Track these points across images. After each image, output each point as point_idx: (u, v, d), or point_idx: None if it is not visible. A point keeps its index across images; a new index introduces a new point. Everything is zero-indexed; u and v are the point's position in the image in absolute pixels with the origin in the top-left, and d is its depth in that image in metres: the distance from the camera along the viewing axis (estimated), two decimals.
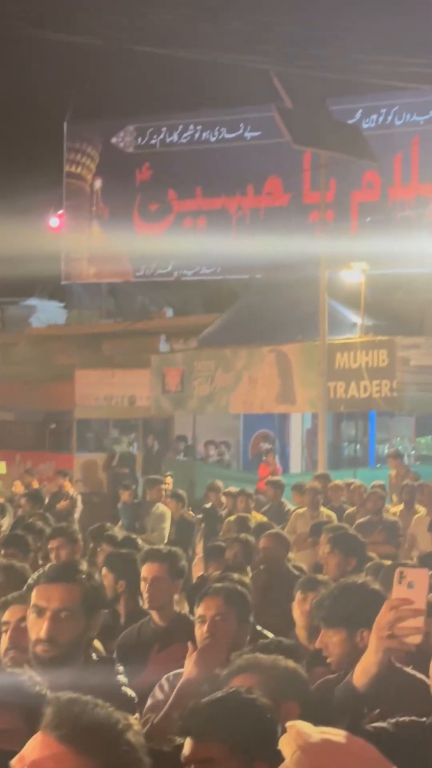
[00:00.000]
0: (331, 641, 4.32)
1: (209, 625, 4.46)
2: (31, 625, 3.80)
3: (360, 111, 22.99)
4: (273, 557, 7.89)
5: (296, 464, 21.20)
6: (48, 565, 4.32)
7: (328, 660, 4.35)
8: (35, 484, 15.96)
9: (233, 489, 13.56)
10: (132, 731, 2.26)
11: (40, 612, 3.77)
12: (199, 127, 25.61)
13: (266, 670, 3.49)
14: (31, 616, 3.82)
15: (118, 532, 8.64)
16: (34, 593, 3.88)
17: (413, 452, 20.68)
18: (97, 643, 5.23)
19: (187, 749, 2.86)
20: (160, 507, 12.66)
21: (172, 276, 26.22)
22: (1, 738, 2.89)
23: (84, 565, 4.92)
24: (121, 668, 4.40)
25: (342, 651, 4.30)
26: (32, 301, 30.62)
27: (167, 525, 12.25)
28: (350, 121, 21.76)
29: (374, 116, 23.14)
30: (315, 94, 19.32)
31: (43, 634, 3.72)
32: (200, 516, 12.72)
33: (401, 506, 12.68)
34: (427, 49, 19.18)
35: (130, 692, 4.14)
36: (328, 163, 18.31)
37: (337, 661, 4.28)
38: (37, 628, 3.75)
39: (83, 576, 4.06)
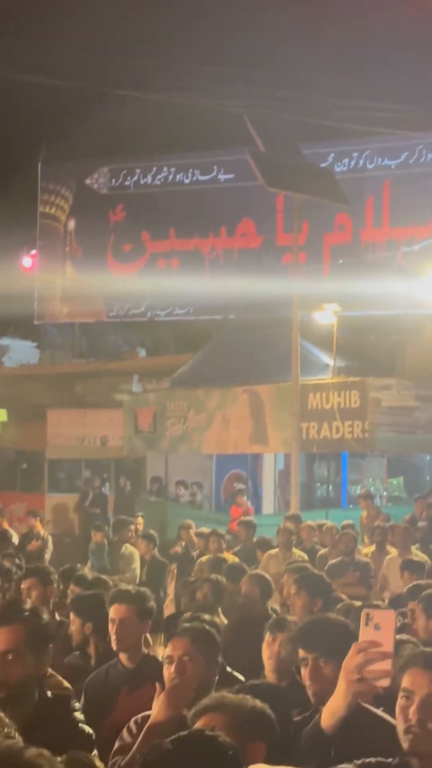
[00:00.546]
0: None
1: (177, 666, 4.42)
2: None
3: (332, 155, 23.22)
4: (252, 599, 7.84)
5: (269, 505, 21.15)
6: None
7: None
8: (5, 525, 15.81)
9: (205, 530, 13.53)
10: None
11: None
12: (173, 169, 25.75)
13: (233, 710, 3.45)
14: None
15: (88, 573, 8.57)
16: None
17: (385, 493, 20.70)
18: (65, 683, 5.19)
19: None
20: (128, 548, 12.62)
21: (145, 316, 26.24)
22: None
23: (27, 604, 4.89)
24: (77, 704, 4.36)
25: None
26: (5, 341, 30.52)
27: (137, 565, 12.19)
28: (323, 165, 21.98)
29: (346, 160, 23.36)
30: (288, 138, 19.55)
31: None
32: (171, 556, 12.65)
33: (373, 547, 12.66)
34: (398, 96, 19.49)
35: (88, 729, 4.10)
36: (300, 205, 18.44)
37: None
38: None
39: (26, 614, 4.03)
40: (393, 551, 11.68)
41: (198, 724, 3.43)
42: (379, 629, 3.10)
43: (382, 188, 22.96)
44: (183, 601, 8.44)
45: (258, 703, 3.60)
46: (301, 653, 4.36)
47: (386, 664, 3.10)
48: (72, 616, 6.50)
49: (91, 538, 14.28)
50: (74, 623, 6.31)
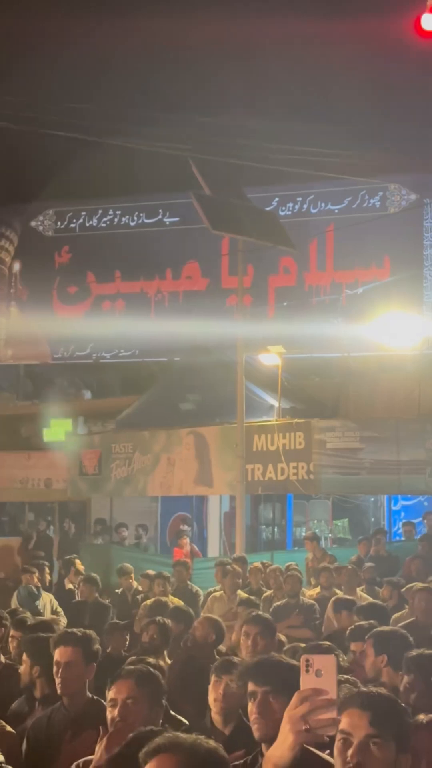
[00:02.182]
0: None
1: (120, 708, 4.41)
2: None
3: (276, 199, 23.51)
4: (203, 643, 7.80)
5: (214, 547, 21.11)
6: None
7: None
8: None
9: (151, 572, 13.47)
10: None
11: None
12: (118, 212, 25.88)
13: (187, 751, 3.42)
14: None
15: (29, 617, 8.52)
16: None
17: (330, 535, 20.77)
18: (7, 728, 5.13)
19: None
20: (42, 598, 12.92)
21: (90, 358, 26.22)
22: None
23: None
24: (1, 758, 4.30)
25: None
26: None
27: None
28: (267, 209, 22.20)
29: (290, 204, 23.66)
30: (232, 182, 19.73)
31: None
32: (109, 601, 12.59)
33: (318, 589, 12.68)
34: (342, 142, 19.80)
35: None
36: (245, 248, 18.59)
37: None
38: None
39: None
40: (339, 593, 11.70)
41: (150, 765, 3.42)
42: (320, 675, 3.08)
43: (325, 232, 23.24)
44: (111, 644, 8.36)
45: (212, 743, 3.58)
46: (251, 687, 4.36)
47: (332, 712, 3.05)
48: (24, 656, 6.47)
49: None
50: (25, 664, 6.25)
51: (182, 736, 3.69)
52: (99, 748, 4.20)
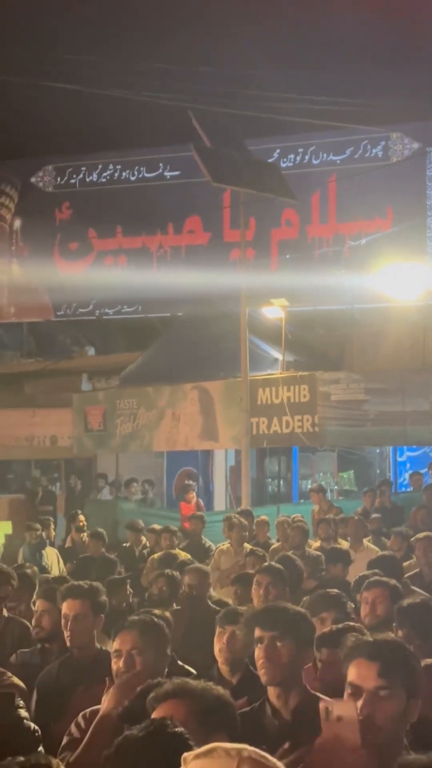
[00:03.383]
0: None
1: (125, 659, 4.43)
2: None
3: (278, 150, 23.31)
4: (195, 593, 7.85)
5: (220, 501, 21.19)
6: None
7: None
8: None
9: (157, 526, 13.53)
10: None
11: None
12: (118, 167, 25.70)
13: (197, 697, 3.42)
14: None
15: (36, 571, 8.59)
16: None
17: (335, 487, 20.83)
18: (15, 680, 5.15)
19: None
20: (47, 550, 12.95)
21: (93, 315, 26.15)
22: None
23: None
24: (21, 702, 4.33)
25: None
26: None
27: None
28: (269, 160, 22.01)
29: (292, 155, 23.47)
30: (233, 134, 19.57)
31: None
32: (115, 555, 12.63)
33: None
34: (342, 91, 19.61)
35: (32, 726, 4.08)
36: (247, 201, 18.46)
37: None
38: None
39: None
40: (344, 544, 11.73)
41: (158, 710, 3.40)
42: (341, 721, 3.09)
43: (327, 183, 23.08)
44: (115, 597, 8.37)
45: (221, 690, 3.58)
46: (258, 633, 4.38)
47: (356, 756, 3.08)
48: (38, 606, 6.54)
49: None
50: (36, 615, 6.28)
51: (192, 682, 3.69)
52: (105, 699, 4.23)
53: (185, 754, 2.60)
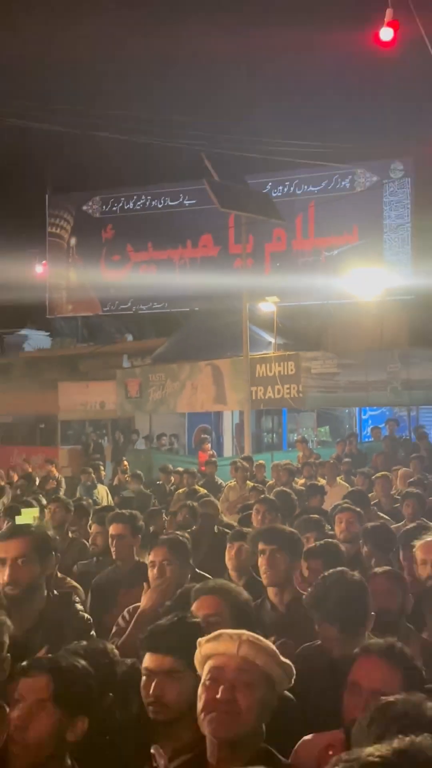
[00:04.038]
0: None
1: (158, 568, 4.42)
2: None
3: (270, 183, 23.15)
4: (210, 518, 7.84)
5: (228, 450, 21.16)
6: (4, 527, 4.19)
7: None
8: (30, 470, 15.73)
9: (181, 469, 13.54)
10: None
11: (2, 562, 3.70)
12: (149, 197, 25.60)
13: (231, 597, 3.42)
14: None
15: (90, 503, 8.59)
16: None
17: (315, 438, 20.75)
18: (73, 583, 5.14)
19: (149, 662, 2.80)
20: (98, 487, 12.91)
21: (131, 310, 26.18)
22: None
23: (34, 522, 4.81)
24: (77, 599, 4.32)
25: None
26: (24, 332, 30.33)
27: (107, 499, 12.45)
28: (263, 191, 21.88)
29: (280, 187, 23.30)
30: (235, 171, 19.42)
31: (6, 578, 3.66)
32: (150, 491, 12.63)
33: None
34: (319, 136, 19.36)
35: (86, 616, 4.07)
36: (246, 222, 18.33)
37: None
38: (2, 575, 3.68)
39: (33, 530, 3.99)
40: (323, 481, 11.70)
41: (200, 601, 3.40)
42: None
43: (308, 208, 22.96)
44: (152, 524, 8.31)
45: (246, 594, 3.58)
46: (261, 546, 4.39)
47: None
48: (92, 528, 6.52)
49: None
50: (101, 535, 6.25)
51: (229, 584, 3.69)
52: (143, 598, 4.22)
53: (200, 639, 2.58)
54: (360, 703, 2.31)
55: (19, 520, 4.03)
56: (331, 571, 3.60)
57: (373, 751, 1.37)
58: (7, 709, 2.41)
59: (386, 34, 7.52)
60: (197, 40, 15.64)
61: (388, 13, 7.30)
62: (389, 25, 7.40)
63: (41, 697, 2.44)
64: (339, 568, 3.66)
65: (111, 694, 2.85)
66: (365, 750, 1.38)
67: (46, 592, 3.82)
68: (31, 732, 2.39)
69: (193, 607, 3.33)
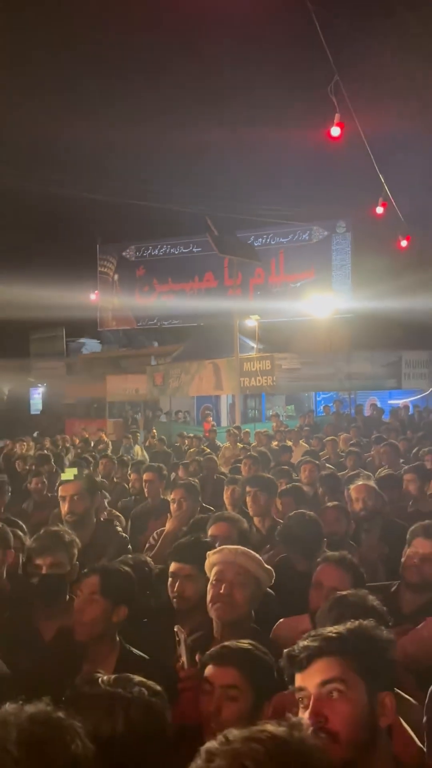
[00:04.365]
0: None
1: (177, 503, 4.40)
2: (61, 508, 3.75)
3: (252, 237, 22.99)
4: (211, 469, 7.81)
5: (224, 421, 21.12)
6: (65, 474, 4.16)
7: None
8: (87, 435, 15.69)
9: (191, 434, 13.50)
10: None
11: (63, 499, 3.71)
12: (169, 246, 25.46)
13: (237, 524, 3.42)
14: (60, 504, 3.76)
15: (127, 458, 8.56)
16: (59, 489, 3.81)
17: (284, 414, 20.71)
18: (116, 512, 5.11)
19: (174, 568, 2.75)
20: (136, 447, 12.85)
21: (156, 325, 26.07)
22: None
23: (87, 471, 4.79)
24: (118, 524, 4.31)
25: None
26: (82, 340, 30.22)
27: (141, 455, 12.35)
28: (248, 241, 21.78)
29: (260, 239, 23.14)
30: (229, 228, 19.34)
31: (66, 509, 3.66)
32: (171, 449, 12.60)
33: (276, 442, 12.62)
34: (286, 204, 19.20)
35: (125, 535, 4.06)
36: (237, 263, 18.28)
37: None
38: (63, 509, 3.69)
39: (87, 476, 3.99)
40: (290, 443, 11.67)
41: (214, 526, 3.36)
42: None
43: (279, 253, 22.85)
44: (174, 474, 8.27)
45: (246, 524, 3.58)
46: (248, 488, 4.35)
47: None
48: (131, 476, 6.48)
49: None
50: (138, 481, 6.23)
51: (236, 515, 3.65)
52: (168, 524, 4.21)
53: (208, 553, 2.57)
54: (322, 597, 2.31)
55: (64, 476, 4.02)
56: (294, 512, 3.59)
57: (333, 629, 1.38)
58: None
59: (335, 131, 7.46)
60: (196, 136, 15.47)
61: (336, 117, 7.25)
62: (337, 125, 7.35)
63: (92, 591, 2.43)
64: (300, 510, 3.64)
65: (148, 591, 2.84)
66: (327, 629, 1.39)
67: (94, 520, 3.81)
68: (85, 616, 2.38)
69: (211, 530, 3.32)
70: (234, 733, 0.97)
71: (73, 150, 16.10)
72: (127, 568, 2.59)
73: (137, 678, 1.50)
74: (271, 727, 0.98)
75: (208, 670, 1.76)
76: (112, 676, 1.52)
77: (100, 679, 1.50)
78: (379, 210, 11.58)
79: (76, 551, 2.89)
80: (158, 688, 1.51)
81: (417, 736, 1.68)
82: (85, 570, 2.60)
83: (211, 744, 0.96)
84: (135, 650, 2.32)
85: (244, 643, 1.80)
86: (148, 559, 3.19)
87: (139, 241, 26.15)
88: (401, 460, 7.08)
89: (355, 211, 19.96)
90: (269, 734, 0.96)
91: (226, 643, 1.80)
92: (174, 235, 25.25)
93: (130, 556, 3.04)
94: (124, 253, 26.36)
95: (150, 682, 1.51)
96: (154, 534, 4.32)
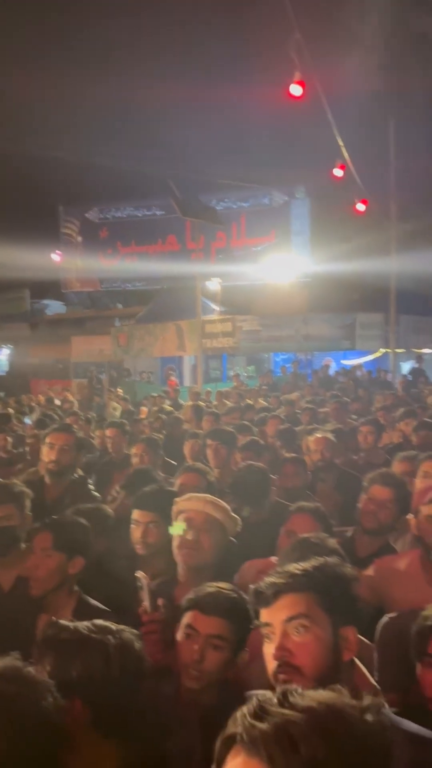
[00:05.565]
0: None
1: (139, 458, 4.38)
2: (45, 455, 3.66)
3: (214, 200, 22.56)
4: (174, 424, 7.77)
5: (187, 381, 21.09)
6: (55, 425, 4.11)
7: None
8: (52, 395, 15.44)
9: (155, 393, 13.41)
10: None
11: (51, 446, 3.63)
12: (132, 208, 24.81)
13: (205, 474, 3.49)
14: (45, 449, 3.68)
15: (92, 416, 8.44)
16: (47, 439, 3.72)
17: (245, 374, 20.76)
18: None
19: (137, 516, 2.72)
20: (112, 404, 12.63)
21: (120, 287, 25.61)
22: None
23: (76, 426, 4.72)
24: (90, 481, 4.26)
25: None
26: (46, 301, 29.46)
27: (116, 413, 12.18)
28: (210, 204, 21.36)
29: (222, 203, 22.75)
30: (192, 191, 18.89)
31: (53, 457, 3.60)
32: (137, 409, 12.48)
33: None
34: (248, 167, 18.85)
35: (97, 494, 4.00)
36: (199, 226, 17.95)
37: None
38: (49, 456, 3.60)
39: (74, 430, 3.92)
40: (250, 402, 11.71)
41: (183, 476, 3.37)
42: None
43: (240, 217, 22.52)
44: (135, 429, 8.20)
45: (213, 475, 3.55)
46: (208, 442, 4.39)
47: None
48: (98, 431, 6.45)
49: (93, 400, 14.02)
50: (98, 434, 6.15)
51: (204, 466, 3.61)
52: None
53: (176, 499, 2.54)
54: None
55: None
56: (241, 464, 3.59)
57: (298, 566, 1.35)
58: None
59: (295, 89, 7.22)
60: (158, 94, 14.84)
61: (297, 75, 7.00)
62: (297, 83, 7.10)
63: (45, 546, 2.36)
64: (248, 462, 3.65)
65: (104, 538, 2.79)
66: (292, 565, 1.36)
67: (73, 476, 3.76)
68: (40, 571, 2.32)
69: (180, 479, 3.29)
70: (295, 695, 0.83)
71: (36, 108, 15.25)
72: (80, 518, 2.52)
73: (114, 625, 1.52)
74: (339, 699, 0.84)
75: (193, 616, 1.72)
76: (91, 622, 1.52)
77: (74, 626, 1.50)
78: (338, 172, 11.41)
79: (27, 502, 2.81)
80: (135, 631, 1.53)
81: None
82: (36, 524, 2.52)
83: (267, 698, 0.83)
84: (92, 600, 2.29)
85: (228, 591, 1.77)
86: (104, 506, 3.14)
87: (103, 202, 25.37)
88: (355, 417, 7.20)
89: (315, 175, 19.75)
90: (334, 709, 0.81)
91: (211, 590, 1.76)
92: (137, 197, 24.59)
93: (86, 505, 2.97)
94: (87, 215, 25.56)
95: (126, 627, 1.53)
96: (118, 486, 4.26)
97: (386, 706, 0.91)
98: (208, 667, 1.64)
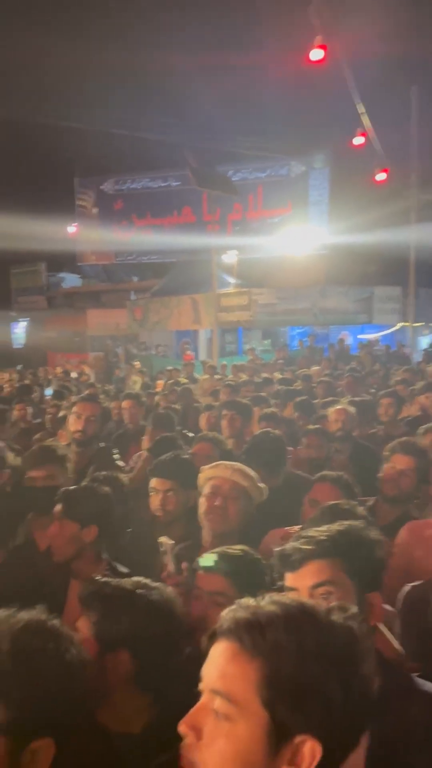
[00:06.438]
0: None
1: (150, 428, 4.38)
2: (71, 424, 3.72)
3: (231, 171, 22.19)
4: (187, 398, 7.78)
5: (202, 355, 21.06)
6: (82, 395, 4.17)
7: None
8: (69, 367, 15.52)
9: (170, 367, 13.40)
10: None
11: (78, 416, 3.68)
12: (147, 180, 24.51)
13: (219, 443, 3.56)
14: (72, 418, 3.73)
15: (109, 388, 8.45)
16: (74, 408, 3.78)
17: (260, 348, 20.68)
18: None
19: (155, 484, 2.74)
20: (133, 377, 12.61)
21: (136, 260, 25.44)
22: None
23: (102, 397, 4.78)
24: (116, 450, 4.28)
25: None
26: (62, 275, 29.46)
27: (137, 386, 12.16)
28: (226, 176, 21.02)
29: (239, 174, 22.39)
30: (208, 161, 18.58)
31: (79, 427, 3.68)
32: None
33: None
34: (266, 137, 18.48)
35: (122, 464, 4.03)
36: (215, 198, 17.69)
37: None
38: (75, 426, 3.68)
39: (100, 400, 3.96)
40: (267, 375, 11.67)
41: (198, 445, 3.44)
42: None
43: (257, 188, 22.17)
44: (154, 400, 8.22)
45: (227, 445, 3.56)
46: (224, 412, 4.39)
47: None
48: (114, 402, 6.44)
49: (112, 373, 14.07)
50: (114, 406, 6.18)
51: (218, 435, 3.64)
52: (144, 445, 4.20)
53: (203, 467, 2.55)
54: None
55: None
56: (258, 432, 3.59)
57: (324, 530, 1.34)
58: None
59: (316, 54, 6.99)
60: (173, 62, 14.46)
61: (318, 39, 6.76)
62: (319, 47, 6.87)
63: (58, 517, 2.38)
64: (264, 429, 3.65)
65: (121, 505, 2.81)
66: (317, 529, 1.34)
67: (98, 445, 3.84)
68: (56, 540, 2.34)
69: (194, 448, 3.31)
70: (273, 597, 0.93)
71: (51, 78, 14.96)
72: (92, 486, 2.53)
73: (154, 583, 1.56)
74: (314, 602, 0.94)
75: (198, 576, 1.76)
76: (132, 579, 1.57)
77: (117, 581, 1.56)
78: (358, 140, 11.10)
79: (69, 465, 2.86)
80: (170, 589, 1.58)
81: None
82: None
83: (248, 599, 0.94)
84: (121, 566, 2.31)
85: (235, 549, 1.77)
86: (120, 474, 3.16)
87: (119, 174, 25.09)
88: (372, 390, 7.14)
89: (334, 144, 19.29)
90: (304, 606, 0.91)
91: (215, 550, 1.78)
92: (153, 168, 24.27)
93: (102, 473, 2.98)
94: (102, 186, 25.31)
95: (162, 585, 1.57)
96: (135, 455, 4.30)
97: (351, 609, 0.94)
98: (212, 624, 1.65)
